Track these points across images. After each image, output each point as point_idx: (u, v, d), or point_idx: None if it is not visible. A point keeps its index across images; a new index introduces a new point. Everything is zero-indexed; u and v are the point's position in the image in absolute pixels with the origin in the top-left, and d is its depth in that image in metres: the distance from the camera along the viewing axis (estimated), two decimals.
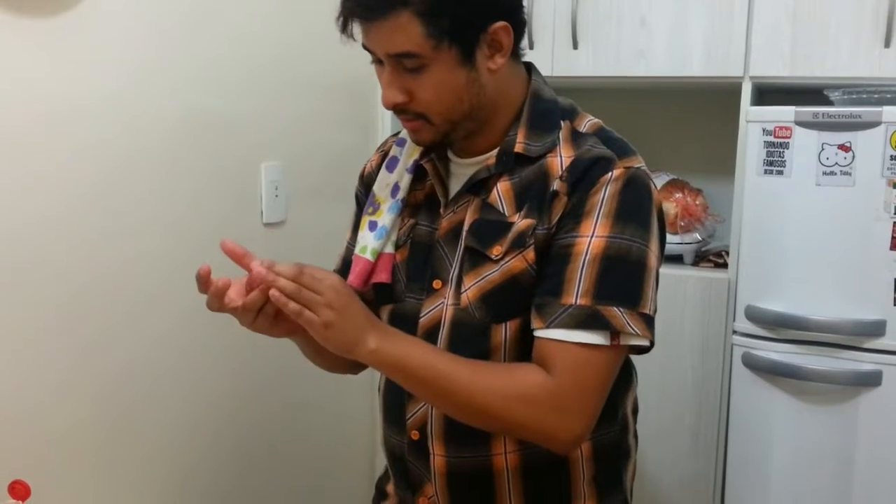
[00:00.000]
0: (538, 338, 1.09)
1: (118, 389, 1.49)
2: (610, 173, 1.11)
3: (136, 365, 1.52)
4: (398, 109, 1.13)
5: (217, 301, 1.06)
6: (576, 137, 1.16)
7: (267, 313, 1.07)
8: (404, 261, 1.24)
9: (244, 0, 1.71)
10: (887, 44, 1.78)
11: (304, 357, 1.32)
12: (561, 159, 1.14)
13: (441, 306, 1.18)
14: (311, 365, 1.33)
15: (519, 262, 1.12)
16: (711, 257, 2.10)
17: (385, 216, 1.25)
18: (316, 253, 1.45)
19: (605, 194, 1.10)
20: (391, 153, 1.30)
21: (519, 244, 1.13)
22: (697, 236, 2.10)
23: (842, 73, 1.84)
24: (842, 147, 1.72)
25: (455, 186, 1.22)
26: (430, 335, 1.18)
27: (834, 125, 1.73)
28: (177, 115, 1.56)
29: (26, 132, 1.29)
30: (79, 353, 1.41)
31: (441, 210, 1.22)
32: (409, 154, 1.26)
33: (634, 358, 1.31)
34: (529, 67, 1.23)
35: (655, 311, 1.13)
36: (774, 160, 1.79)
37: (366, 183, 1.34)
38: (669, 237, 2.07)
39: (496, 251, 1.13)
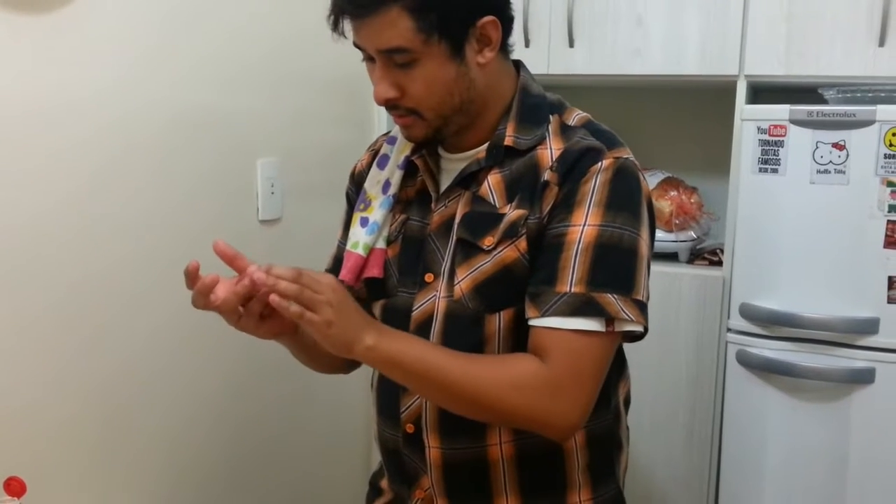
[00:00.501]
0: (533, 326, 1.11)
1: (113, 386, 1.49)
2: (600, 163, 1.12)
3: (131, 362, 1.52)
4: (390, 105, 1.15)
5: (202, 298, 1.06)
6: (565, 130, 1.18)
7: (252, 313, 1.07)
8: (396, 256, 1.25)
9: None
10: (882, 43, 1.79)
11: None
12: (551, 151, 1.16)
13: (433, 299, 1.19)
14: None
15: (511, 252, 1.14)
16: (706, 255, 2.10)
17: (376, 212, 1.26)
18: (312, 250, 1.45)
19: (595, 184, 1.11)
20: (382, 151, 1.31)
21: (511, 234, 1.14)
22: (692, 234, 2.10)
23: (836, 72, 1.84)
24: (836, 145, 1.73)
25: (446, 182, 1.23)
26: (423, 328, 1.19)
27: (828, 124, 1.73)
28: (172, 111, 1.56)
29: (19, 128, 1.30)
30: (73, 350, 1.41)
31: (432, 205, 1.23)
32: (399, 151, 1.28)
33: (629, 354, 1.32)
34: (518, 65, 1.25)
35: (648, 297, 1.14)
36: (769, 158, 1.80)
37: (356, 182, 1.35)
38: (665, 235, 2.08)
39: (488, 242, 1.15)
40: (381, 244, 1.26)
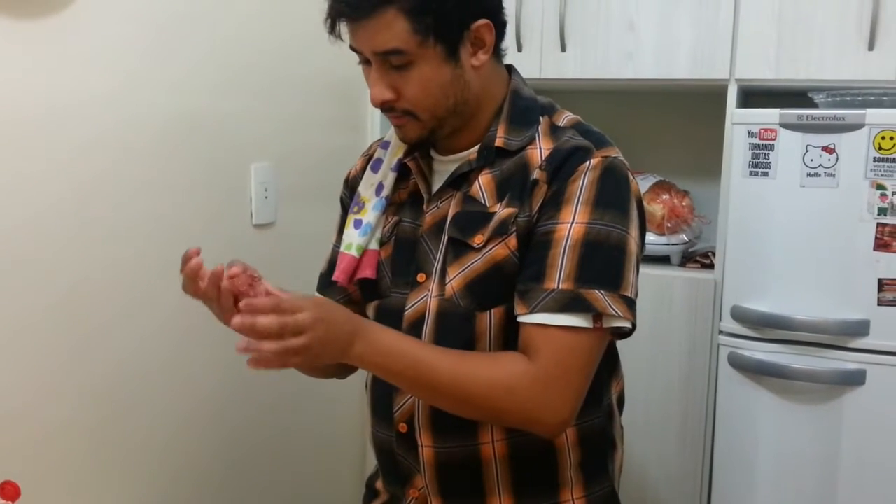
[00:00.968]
0: (522, 323, 1.12)
1: (107, 389, 1.49)
2: (588, 162, 1.14)
3: (125, 364, 1.52)
4: (386, 107, 1.17)
5: (192, 284, 1.07)
6: (554, 130, 1.20)
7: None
8: (389, 257, 1.27)
9: (234, 1, 1.71)
10: (871, 47, 1.80)
11: None
12: (540, 150, 1.17)
13: (425, 298, 1.20)
14: None
15: (501, 250, 1.15)
16: (698, 258, 2.11)
17: (370, 214, 1.28)
18: (306, 254, 1.45)
19: (583, 182, 1.13)
20: (375, 155, 1.32)
21: (500, 232, 1.15)
22: (684, 237, 2.11)
23: (826, 76, 1.86)
24: (826, 149, 1.74)
25: (438, 183, 1.24)
26: (415, 327, 1.20)
27: (818, 127, 1.74)
28: (166, 115, 1.57)
29: (15, 132, 1.30)
30: (68, 353, 1.41)
31: (424, 206, 1.24)
32: (393, 154, 1.29)
33: (622, 355, 1.32)
34: (510, 69, 1.27)
35: (637, 295, 1.15)
36: (760, 162, 1.81)
37: (350, 187, 1.37)
38: (657, 238, 2.09)
39: (478, 240, 1.16)
40: (374, 245, 1.28)
